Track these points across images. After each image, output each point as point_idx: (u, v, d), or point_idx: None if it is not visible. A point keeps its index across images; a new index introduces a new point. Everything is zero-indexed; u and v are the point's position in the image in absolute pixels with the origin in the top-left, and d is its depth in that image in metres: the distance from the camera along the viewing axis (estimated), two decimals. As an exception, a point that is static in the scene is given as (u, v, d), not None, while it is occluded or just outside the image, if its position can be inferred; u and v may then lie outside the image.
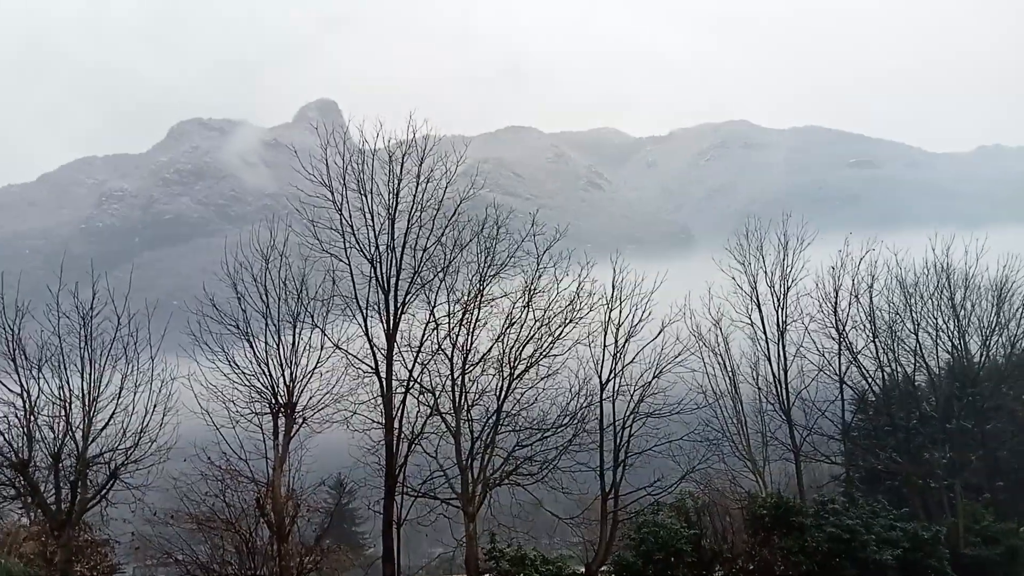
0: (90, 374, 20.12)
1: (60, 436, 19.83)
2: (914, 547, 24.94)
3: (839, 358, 30.02)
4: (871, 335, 30.72)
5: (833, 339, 29.95)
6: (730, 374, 28.58)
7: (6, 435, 19.53)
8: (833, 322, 29.88)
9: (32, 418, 19.61)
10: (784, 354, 28.74)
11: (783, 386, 28.56)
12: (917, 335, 31.41)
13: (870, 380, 31.60)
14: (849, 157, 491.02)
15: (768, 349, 28.80)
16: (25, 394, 19.55)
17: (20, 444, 19.60)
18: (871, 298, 30.48)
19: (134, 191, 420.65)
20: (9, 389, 19.52)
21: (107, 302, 20.17)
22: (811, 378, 29.20)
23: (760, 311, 28.95)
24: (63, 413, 19.81)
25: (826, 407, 29.62)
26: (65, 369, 19.92)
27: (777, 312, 28.85)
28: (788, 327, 28.83)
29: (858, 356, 30.60)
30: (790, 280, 28.82)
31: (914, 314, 31.35)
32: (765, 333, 28.86)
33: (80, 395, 19.99)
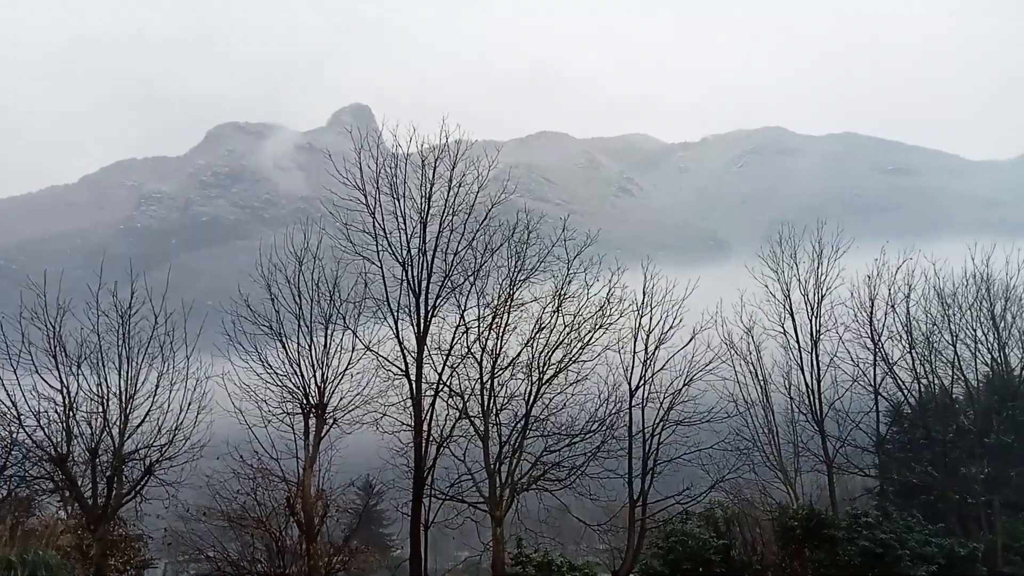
0: (127, 372, 20.55)
1: (98, 432, 20.26)
2: (950, 564, 24.37)
3: (874, 369, 29.51)
4: (907, 346, 30.12)
5: (868, 349, 29.46)
6: (762, 383, 28.26)
7: (46, 430, 20.00)
8: (868, 332, 29.38)
9: (71, 414, 20.06)
10: (817, 363, 28.34)
11: (816, 396, 28.15)
12: (955, 346, 30.71)
13: (906, 392, 30.98)
14: (886, 164, 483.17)
15: (801, 358, 28.43)
16: (65, 390, 20.00)
17: (59, 439, 20.06)
18: (908, 308, 29.91)
19: (172, 193, 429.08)
20: (50, 385, 19.97)
21: (145, 301, 20.60)
22: (845, 388, 28.72)
23: (793, 319, 28.61)
24: (101, 409, 20.24)
25: (860, 418, 29.11)
26: (103, 366, 20.36)
27: (811, 321, 28.48)
28: (822, 336, 28.44)
29: (894, 367, 30.03)
30: (824, 289, 28.44)
31: (952, 325, 30.67)
32: (798, 342, 28.49)
33: (117, 392, 20.41)
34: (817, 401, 28.11)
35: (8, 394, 19.58)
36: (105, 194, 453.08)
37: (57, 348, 19.90)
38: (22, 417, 19.78)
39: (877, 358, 29.48)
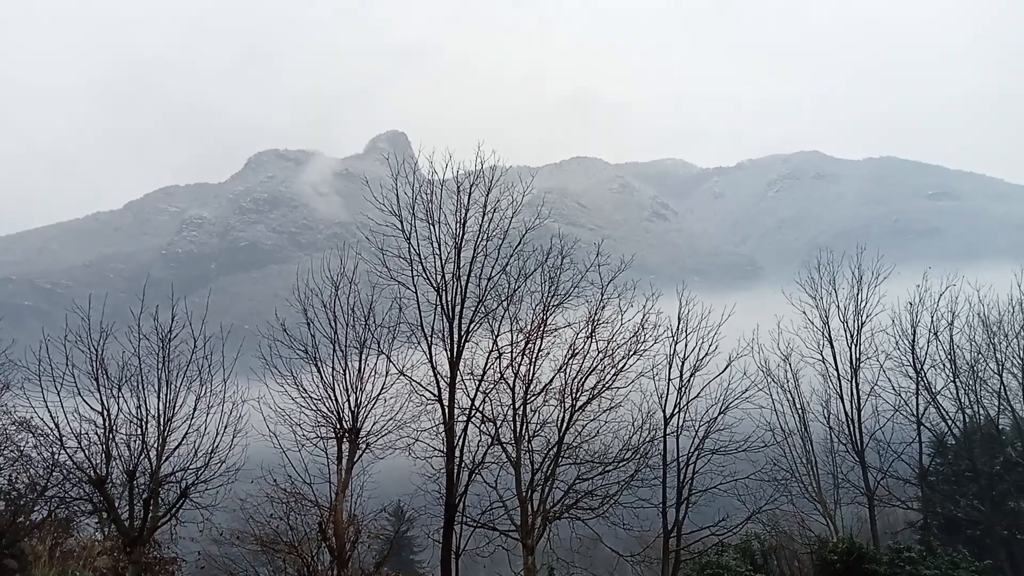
0: (166, 394, 20.80)
1: (136, 454, 20.52)
2: (999, 602, 23.46)
3: (916, 398, 28.78)
4: (951, 375, 29.34)
5: (910, 378, 28.76)
6: (800, 412, 27.71)
7: (86, 451, 20.29)
8: (910, 360, 28.70)
9: (111, 436, 20.37)
10: (858, 392, 27.73)
11: (856, 426, 27.51)
12: (1001, 376, 29.83)
13: (950, 422, 30.12)
14: (927, 188, 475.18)
15: (840, 387, 27.87)
16: (105, 412, 20.30)
17: (99, 461, 20.35)
18: (951, 336, 29.17)
19: (212, 219, 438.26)
20: (91, 407, 20.32)
21: (185, 325, 20.92)
22: (886, 418, 28.04)
23: (832, 347, 28.09)
24: (139, 432, 20.52)
25: (902, 449, 28.36)
26: (143, 389, 20.64)
27: (850, 348, 27.93)
28: (862, 364, 27.85)
29: (937, 396, 29.26)
30: (865, 316, 27.91)
31: (998, 353, 29.80)
32: (837, 370, 27.94)
33: (156, 415, 20.69)
34: (857, 431, 27.47)
35: (51, 415, 19.96)
36: (148, 220, 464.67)
37: (99, 371, 20.24)
38: (64, 438, 20.13)
39: (920, 387, 28.76)
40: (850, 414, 27.68)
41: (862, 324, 27.92)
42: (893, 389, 28.40)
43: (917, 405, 28.79)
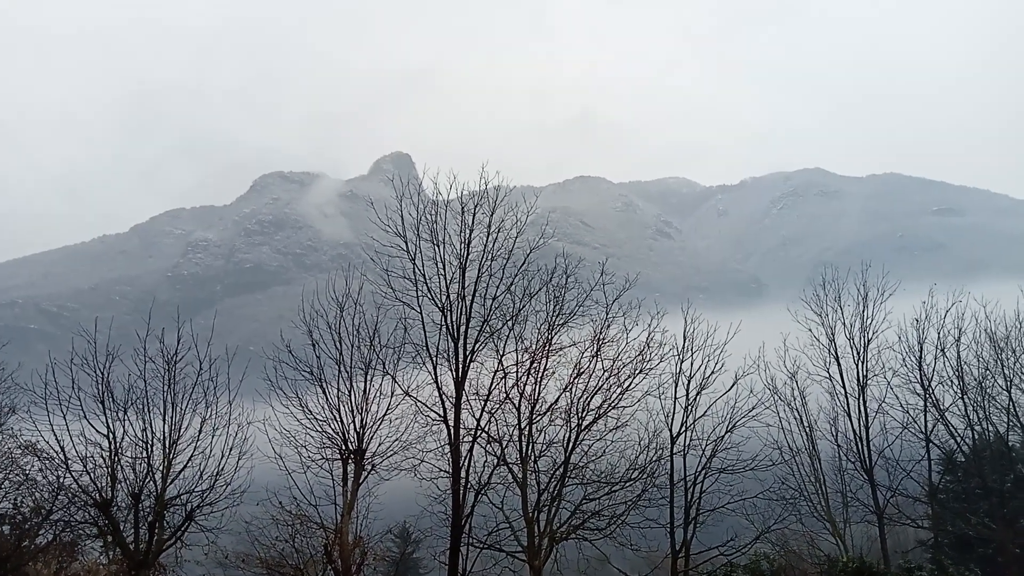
0: (172, 417, 20.85)
1: (141, 477, 20.52)
2: (1013, 622, 23.15)
3: (924, 415, 28.57)
4: (959, 391, 29.13)
5: (918, 395, 28.57)
6: (807, 430, 27.55)
7: (92, 475, 20.30)
8: (918, 377, 28.52)
9: (116, 459, 20.37)
10: (865, 410, 27.57)
11: (865, 443, 27.32)
12: (1010, 392, 29.60)
13: (959, 439, 29.88)
14: (931, 205, 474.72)
15: (848, 404, 27.70)
16: (111, 435, 20.35)
17: (104, 484, 20.34)
18: (958, 352, 28.99)
19: (218, 241, 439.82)
20: (97, 430, 20.35)
21: (190, 347, 20.99)
22: (895, 436, 27.84)
23: (839, 364, 27.96)
24: (145, 454, 20.53)
25: (911, 467, 28.12)
26: (149, 412, 20.69)
27: (857, 366, 27.80)
28: (869, 382, 27.70)
29: (945, 413, 29.04)
30: (871, 332, 27.80)
31: (1006, 370, 29.60)
32: (844, 387, 27.80)
33: (162, 437, 20.71)
34: (866, 449, 27.27)
35: (57, 439, 19.99)
36: (154, 242, 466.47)
37: (105, 394, 20.31)
38: (69, 462, 20.13)
39: (928, 404, 28.56)
40: (858, 432, 27.49)
41: (868, 341, 27.81)
42: (901, 406, 28.23)
43: (925, 422, 28.59)
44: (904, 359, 28.53)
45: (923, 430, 28.55)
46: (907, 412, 28.34)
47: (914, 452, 28.50)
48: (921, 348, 28.57)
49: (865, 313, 27.87)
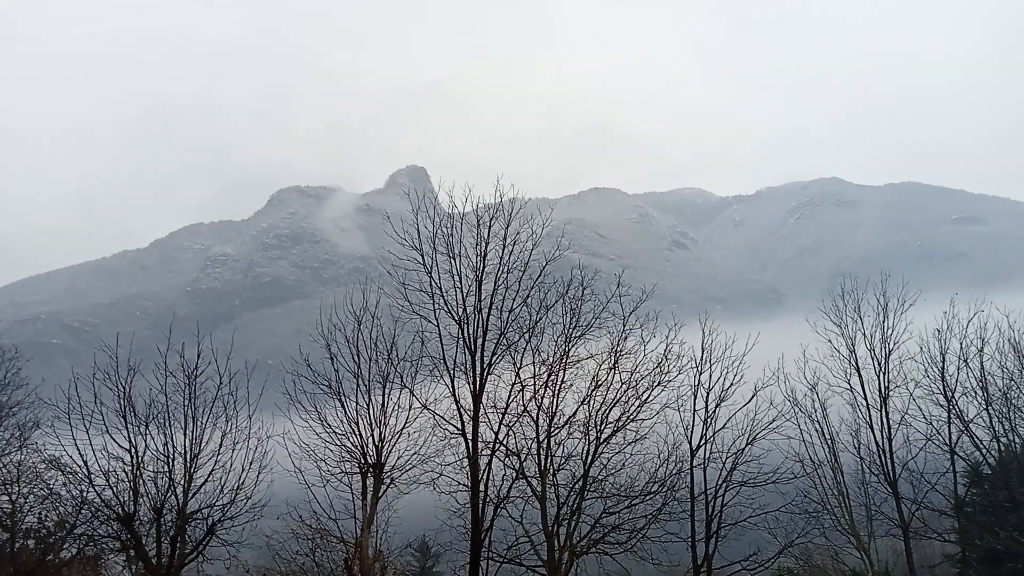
0: (192, 431, 20.98)
1: (163, 491, 20.64)
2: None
3: (948, 427, 28.14)
4: (983, 402, 28.67)
5: (941, 407, 28.14)
6: (829, 442, 27.19)
7: (114, 489, 20.44)
8: (941, 388, 28.10)
9: (138, 473, 20.51)
10: (888, 422, 27.19)
11: (888, 456, 26.93)
12: (1035, 402, 29.15)
13: (984, 451, 29.41)
14: (951, 213, 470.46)
15: (870, 416, 27.33)
16: (133, 449, 20.49)
17: (126, 498, 20.47)
18: (982, 362, 28.54)
19: (236, 255, 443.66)
20: (119, 444, 20.51)
21: (210, 362, 21.13)
22: (919, 448, 27.43)
23: (860, 376, 27.63)
24: (167, 468, 20.66)
25: (936, 480, 27.67)
26: (170, 426, 20.84)
27: (878, 377, 27.44)
28: (891, 393, 27.35)
29: (970, 425, 28.60)
30: (892, 343, 27.44)
31: (1031, 380, 29.16)
32: (866, 399, 27.44)
33: (183, 451, 20.83)
34: (889, 461, 26.89)
35: (80, 453, 20.16)
36: (173, 257, 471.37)
37: (127, 408, 20.48)
38: (92, 476, 20.30)
39: (952, 416, 28.14)
40: (881, 444, 27.12)
41: (889, 352, 27.48)
42: (924, 418, 27.82)
43: (950, 434, 28.16)
44: (926, 370, 28.15)
45: (947, 442, 28.12)
46: (931, 424, 27.93)
47: (939, 464, 28.06)
48: (943, 359, 28.20)
49: (886, 324, 27.57)
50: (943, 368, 28.16)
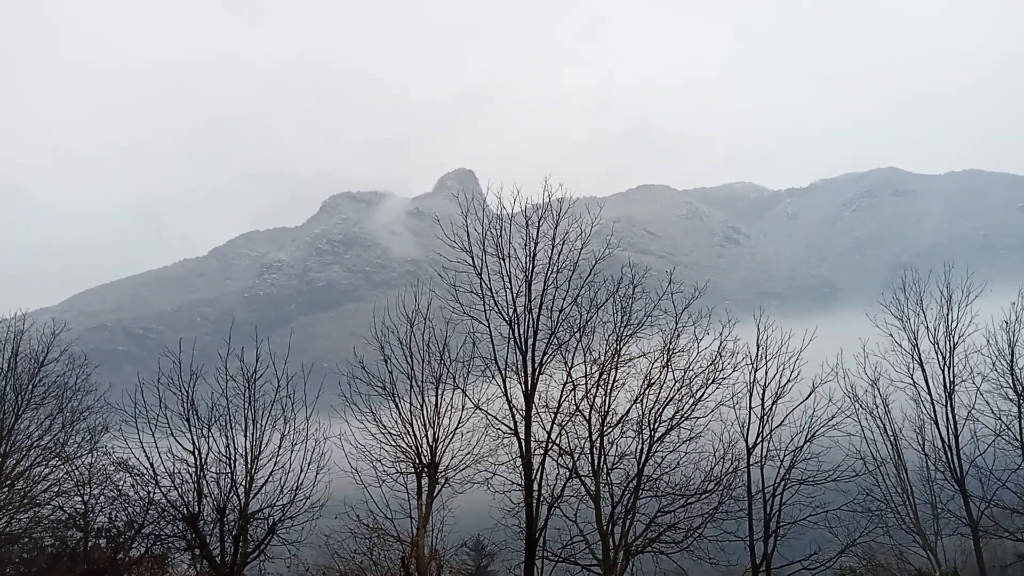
0: (252, 433, 21.55)
1: (225, 492, 21.25)
2: None
3: (1019, 422, 27.04)
4: (1056, 396, 27.55)
5: (1011, 400, 27.08)
6: (892, 439, 26.45)
7: (179, 490, 21.15)
8: (1010, 382, 27.05)
9: (202, 474, 21.16)
10: (954, 417, 26.31)
11: (954, 452, 26.06)
12: (1111, 395, 27.82)
13: (1058, 447, 28.22)
14: (1017, 201, 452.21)
15: (935, 411, 26.48)
16: (196, 451, 21.15)
17: (191, 499, 21.15)
18: (1053, 355, 27.45)
19: (291, 261, 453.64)
20: (183, 447, 21.20)
21: (268, 365, 21.67)
22: (987, 444, 26.45)
23: (923, 370, 26.79)
24: (229, 470, 21.26)
25: (1007, 476, 26.65)
26: (231, 428, 21.44)
27: (943, 371, 26.57)
28: (957, 387, 26.46)
29: (1043, 419, 27.48)
30: (957, 336, 26.55)
31: (1106, 372, 27.84)
32: (930, 394, 26.59)
33: (244, 453, 21.41)
34: (956, 458, 26.01)
35: (147, 455, 20.91)
36: (231, 265, 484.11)
37: (190, 411, 21.15)
38: (158, 477, 21.03)
39: (1022, 410, 27.10)
40: (947, 440, 26.26)
41: (955, 345, 26.59)
42: (993, 413, 26.81)
43: (1020, 429, 27.08)
44: (994, 363, 27.12)
45: (1018, 437, 27.05)
46: (999, 419, 26.90)
47: (1009, 461, 27.02)
48: (1012, 351, 27.13)
49: (950, 316, 26.68)
50: (1012, 361, 27.12)
